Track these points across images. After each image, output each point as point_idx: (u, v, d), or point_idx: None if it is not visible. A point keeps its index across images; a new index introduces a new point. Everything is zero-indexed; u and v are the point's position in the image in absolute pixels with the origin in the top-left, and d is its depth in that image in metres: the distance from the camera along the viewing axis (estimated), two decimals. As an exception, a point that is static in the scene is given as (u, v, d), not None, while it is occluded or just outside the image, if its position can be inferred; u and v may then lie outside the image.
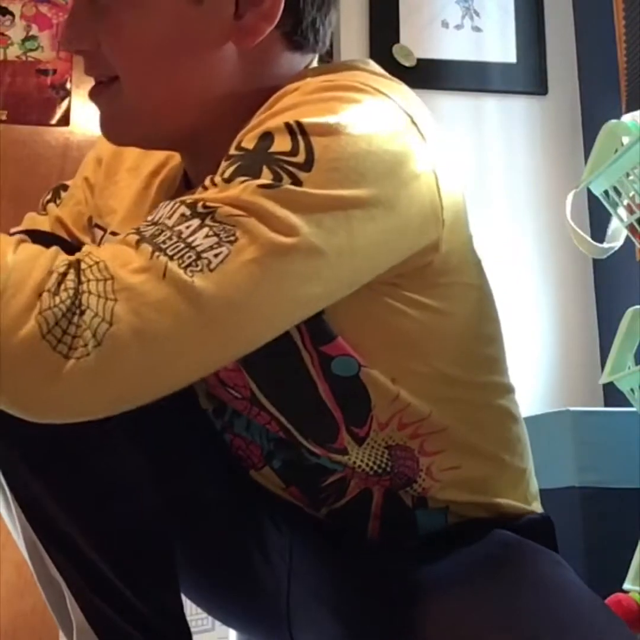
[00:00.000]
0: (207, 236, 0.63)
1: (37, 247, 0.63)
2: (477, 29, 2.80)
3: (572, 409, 1.86)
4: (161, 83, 0.80)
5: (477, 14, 2.81)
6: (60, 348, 0.59)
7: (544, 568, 0.80)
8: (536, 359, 2.51)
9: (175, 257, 0.62)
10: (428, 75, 2.64)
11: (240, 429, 0.89)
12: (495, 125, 2.67)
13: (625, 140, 1.73)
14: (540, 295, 2.56)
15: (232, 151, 0.71)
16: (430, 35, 2.74)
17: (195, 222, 0.64)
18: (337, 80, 0.74)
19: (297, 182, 0.66)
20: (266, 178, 0.66)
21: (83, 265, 0.61)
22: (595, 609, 0.75)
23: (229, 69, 0.80)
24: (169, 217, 0.65)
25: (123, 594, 0.80)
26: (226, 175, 0.68)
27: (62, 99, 2.49)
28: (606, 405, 2.41)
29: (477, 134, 2.64)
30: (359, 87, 0.73)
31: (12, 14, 2.52)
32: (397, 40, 2.67)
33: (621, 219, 1.78)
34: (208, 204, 0.65)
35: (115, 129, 0.84)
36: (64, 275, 0.60)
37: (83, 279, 0.60)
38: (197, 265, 0.62)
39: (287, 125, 0.69)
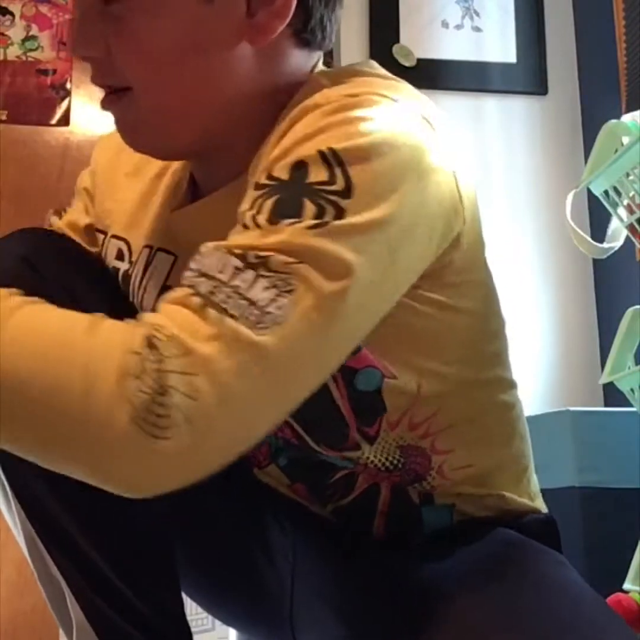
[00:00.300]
0: (265, 289, 0.63)
1: (107, 323, 0.63)
2: (477, 29, 2.80)
3: (572, 409, 1.87)
4: (177, 89, 0.79)
5: (477, 14, 2.81)
6: (152, 431, 0.59)
7: (546, 568, 0.80)
8: (536, 359, 2.51)
9: (242, 318, 0.62)
10: (428, 75, 2.64)
11: None
12: (495, 125, 2.67)
13: (625, 140, 1.73)
14: (540, 295, 2.56)
15: (263, 180, 0.70)
16: (430, 35, 2.74)
17: (250, 274, 0.64)
18: (358, 96, 0.73)
19: (340, 212, 0.66)
20: (310, 212, 0.66)
21: (158, 343, 0.60)
22: (597, 608, 0.75)
23: (242, 69, 0.80)
24: (221, 271, 0.64)
25: (123, 593, 0.80)
26: (265, 213, 0.67)
27: (62, 99, 2.49)
28: (606, 405, 2.41)
29: (477, 134, 2.64)
30: (380, 101, 0.73)
31: (12, 14, 2.52)
32: (397, 40, 2.67)
33: (621, 219, 1.78)
34: (260, 254, 0.64)
35: (134, 138, 0.83)
36: (143, 355, 0.60)
37: (161, 357, 0.60)
38: (262, 323, 0.62)
39: (321, 154, 0.68)
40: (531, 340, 2.50)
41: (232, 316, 0.61)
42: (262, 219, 0.67)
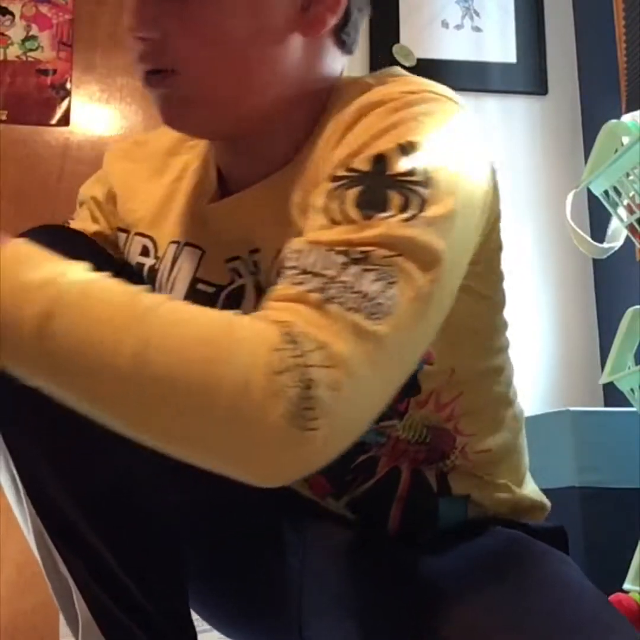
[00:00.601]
0: (373, 282, 0.66)
1: (243, 321, 0.65)
2: (477, 29, 2.80)
3: (572, 409, 1.87)
4: (230, 73, 0.81)
5: (477, 14, 2.81)
6: (301, 423, 0.62)
7: (552, 567, 0.81)
8: (536, 359, 2.51)
9: (359, 311, 0.65)
10: (428, 75, 2.61)
11: None
12: (495, 126, 2.68)
13: (625, 140, 1.73)
14: (540, 295, 2.56)
15: (342, 173, 0.73)
16: (430, 35, 2.74)
17: (355, 269, 0.67)
18: (418, 93, 0.78)
19: (423, 202, 0.70)
20: (397, 203, 0.69)
21: (296, 339, 0.63)
22: (602, 608, 0.76)
23: (290, 60, 0.82)
24: (327, 268, 0.67)
25: (130, 591, 0.80)
26: (352, 204, 0.70)
27: (62, 99, 2.49)
28: (606, 405, 2.42)
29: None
30: (437, 98, 0.79)
31: (12, 14, 2.52)
32: (397, 40, 2.67)
33: (621, 219, 1.78)
34: (362, 249, 0.67)
35: (177, 117, 0.84)
36: (286, 351, 0.63)
37: (302, 352, 0.63)
38: (376, 314, 0.65)
39: (401, 147, 0.72)
40: (531, 340, 2.50)
41: (350, 309, 0.65)
42: (351, 211, 0.70)
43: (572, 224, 1.81)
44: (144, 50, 0.80)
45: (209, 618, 0.98)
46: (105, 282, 0.65)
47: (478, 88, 2.72)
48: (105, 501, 0.80)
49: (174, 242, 0.90)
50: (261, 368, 0.62)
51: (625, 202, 1.75)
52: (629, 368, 1.74)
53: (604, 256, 1.87)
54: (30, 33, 2.52)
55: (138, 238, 0.93)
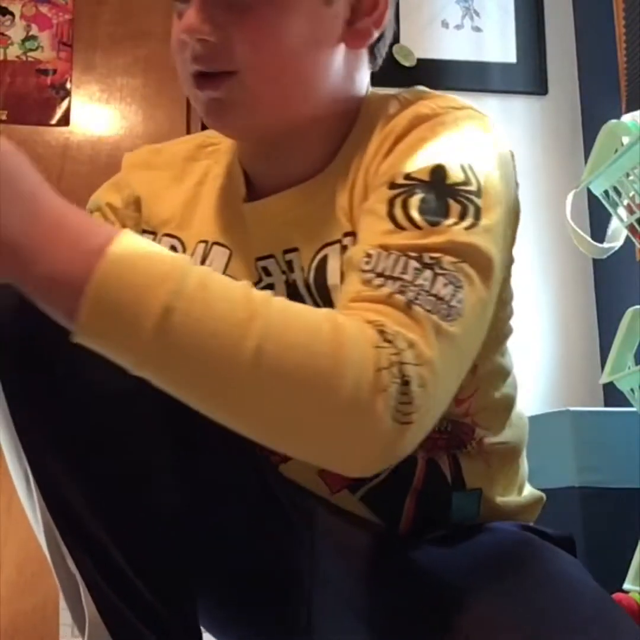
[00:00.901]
0: (445, 285, 0.71)
1: (341, 319, 0.68)
2: (477, 29, 2.80)
3: (572, 409, 1.87)
4: (284, 79, 0.85)
5: (477, 14, 2.81)
6: (400, 417, 0.66)
7: (562, 566, 0.82)
8: (536, 359, 2.52)
9: (437, 313, 0.70)
10: (428, 75, 2.64)
11: None
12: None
13: (625, 140, 1.74)
14: (540, 295, 2.56)
15: (401, 181, 0.78)
16: (430, 35, 2.74)
17: (429, 273, 0.72)
18: (462, 109, 0.84)
19: (478, 210, 0.76)
20: (455, 211, 0.75)
21: (391, 338, 0.67)
22: (609, 606, 0.77)
23: (334, 71, 0.87)
24: (404, 272, 0.71)
25: (139, 590, 0.80)
26: (416, 211, 0.75)
27: (62, 99, 2.49)
28: (606, 405, 2.42)
29: (477, 134, 2.64)
30: (478, 115, 0.85)
31: (12, 14, 2.52)
32: (397, 40, 2.67)
33: (621, 219, 1.78)
34: (433, 255, 0.72)
35: (229, 117, 0.86)
36: (386, 349, 0.67)
37: (398, 350, 0.67)
38: (451, 316, 0.71)
39: (455, 158, 0.78)
40: (531, 340, 2.50)
41: (429, 311, 0.70)
42: (417, 218, 0.75)
43: (572, 224, 1.81)
44: (202, 52, 0.83)
45: (211, 623, 0.97)
46: (217, 275, 0.68)
47: (478, 88, 2.72)
48: (117, 500, 0.80)
49: (202, 241, 0.93)
50: (369, 364, 0.65)
51: (625, 202, 1.75)
52: (629, 368, 1.74)
53: (604, 256, 1.87)
54: (30, 33, 2.52)
55: (166, 238, 0.95)
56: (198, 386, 0.66)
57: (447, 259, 0.72)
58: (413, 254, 0.72)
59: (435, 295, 0.70)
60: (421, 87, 0.90)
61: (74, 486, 0.79)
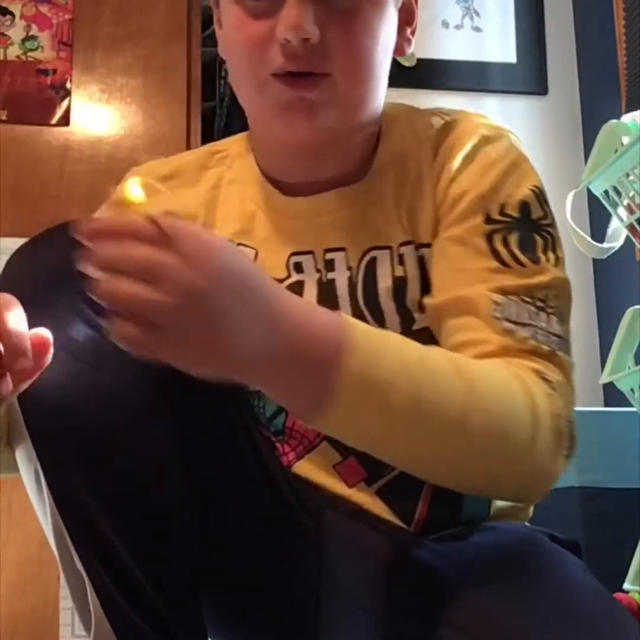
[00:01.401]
0: (557, 323, 0.84)
1: (513, 368, 0.78)
2: (477, 29, 2.80)
3: (572, 409, 1.86)
4: (372, 81, 0.89)
5: (477, 14, 2.81)
6: (567, 454, 0.81)
7: (569, 567, 0.83)
8: (536, 359, 2.51)
9: (565, 352, 0.84)
10: (428, 75, 2.65)
11: None
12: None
13: (625, 140, 1.74)
14: (540, 295, 2.56)
15: (495, 216, 0.85)
16: (430, 35, 2.74)
17: (543, 315, 0.83)
18: (497, 129, 0.93)
19: (554, 240, 0.86)
20: (541, 245, 0.85)
21: (553, 386, 0.79)
22: (614, 607, 0.78)
23: (386, 77, 0.93)
24: (530, 318, 0.82)
25: (146, 593, 0.79)
26: (516, 249, 0.84)
27: (62, 99, 2.49)
28: (606, 405, 2.41)
29: (477, 134, 2.64)
30: (511, 134, 0.94)
31: (12, 14, 2.52)
32: (397, 40, 2.67)
33: (621, 219, 1.78)
34: (540, 296, 0.83)
35: (318, 119, 0.87)
36: (553, 396, 0.79)
37: (560, 395, 0.80)
38: (567, 350, 0.84)
39: (534, 193, 0.87)
40: (531, 340, 2.50)
41: (561, 351, 0.83)
42: (519, 256, 0.84)
43: (572, 224, 1.81)
44: (302, 52, 0.84)
45: (216, 629, 0.96)
46: (424, 350, 0.76)
47: (478, 88, 2.72)
48: (127, 502, 0.80)
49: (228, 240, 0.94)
50: (547, 411, 0.77)
51: (625, 202, 1.75)
52: (629, 368, 1.74)
53: (604, 256, 1.87)
54: (30, 33, 2.52)
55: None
56: (422, 449, 0.74)
57: (550, 296, 0.84)
58: (528, 299, 0.82)
59: (557, 336, 0.83)
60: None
61: (85, 487, 0.79)
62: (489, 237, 0.84)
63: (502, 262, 0.83)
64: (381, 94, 0.92)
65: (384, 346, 0.72)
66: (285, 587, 0.90)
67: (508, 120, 2.67)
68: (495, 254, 0.84)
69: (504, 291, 0.81)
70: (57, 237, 0.77)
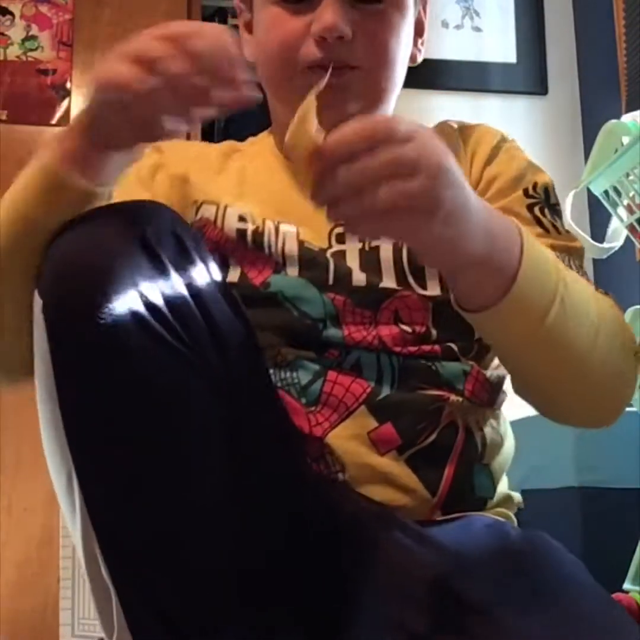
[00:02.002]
0: (579, 267, 0.95)
1: (606, 304, 0.92)
2: (477, 29, 2.80)
3: (572, 409, 1.86)
4: (393, 77, 1.00)
5: (477, 14, 2.81)
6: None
7: (573, 568, 0.84)
8: (536, 359, 2.51)
9: (590, 281, 0.93)
10: (428, 75, 2.64)
11: (360, 364, 0.93)
12: (495, 125, 2.67)
13: (625, 140, 1.74)
14: (540, 295, 2.56)
15: (531, 192, 0.99)
16: (430, 35, 2.73)
17: (571, 264, 0.93)
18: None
19: (562, 224, 0.99)
20: (559, 222, 0.98)
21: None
22: (615, 607, 0.79)
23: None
24: (577, 271, 0.92)
25: (174, 611, 0.77)
26: (550, 219, 0.97)
27: (62, 99, 2.49)
28: (606, 405, 2.41)
29: (477, 134, 2.64)
30: None
31: (12, 14, 2.52)
32: (397, 40, 2.67)
33: (621, 219, 1.78)
34: (576, 260, 0.95)
35: (349, 105, 0.95)
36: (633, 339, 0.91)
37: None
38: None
39: (550, 182, 1.01)
40: (531, 340, 2.50)
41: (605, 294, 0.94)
42: (558, 225, 0.98)
43: (572, 224, 1.80)
44: (338, 48, 0.95)
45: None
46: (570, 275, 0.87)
47: (478, 88, 2.72)
48: (164, 525, 0.78)
49: (266, 219, 0.99)
50: (632, 341, 0.91)
51: (625, 202, 1.75)
52: (629, 368, 1.74)
53: (604, 256, 1.87)
54: (30, 33, 2.52)
55: (231, 209, 1.00)
56: (555, 369, 0.85)
57: (582, 263, 0.96)
58: (569, 257, 0.93)
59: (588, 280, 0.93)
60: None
61: (119, 500, 0.77)
62: (530, 208, 0.97)
63: (544, 228, 0.96)
64: (396, 93, 1.03)
65: (540, 258, 0.83)
66: (302, 596, 0.88)
67: (508, 120, 2.67)
68: (538, 221, 0.96)
69: (553, 248, 0.90)
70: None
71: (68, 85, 2.51)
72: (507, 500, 0.97)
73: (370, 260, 0.96)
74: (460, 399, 0.93)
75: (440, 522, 0.90)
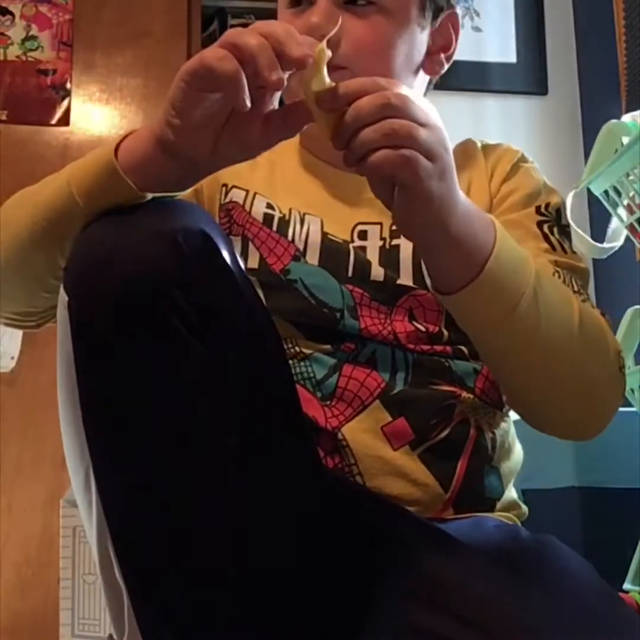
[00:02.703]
0: (581, 286, 0.94)
1: (584, 307, 0.90)
2: (477, 29, 2.80)
3: (572, 409, 1.86)
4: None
5: (477, 14, 2.81)
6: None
7: (576, 567, 0.84)
8: (536, 359, 2.51)
9: (589, 301, 0.94)
10: (428, 75, 2.64)
11: (375, 357, 0.94)
12: (495, 125, 2.68)
13: (625, 140, 1.74)
14: (540, 295, 2.56)
15: (543, 211, 1.02)
16: (430, 35, 2.74)
17: (572, 282, 0.93)
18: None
19: (571, 242, 1.02)
20: (567, 242, 1.01)
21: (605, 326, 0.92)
22: (617, 604, 0.79)
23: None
24: (568, 284, 0.93)
25: (185, 618, 0.77)
26: (558, 238, 1.00)
27: (62, 99, 2.49)
28: (606, 405, 2.41)
29: (477, 134, 2.63)
30: None
31: (12, 14, 2.52)
32: (397, 40, 2.67)
33: (621, 219, 1.78)
34: (578, 280, 0.95)
35: None
36: (607, 333, 0.92)
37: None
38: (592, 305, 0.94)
39: (562, 205, 1.05)
40: (531, 340, 2.50)
41: (588, 302, 0.93)
42: (564, 244, 1.00)
43: (572, 224, 1.80)
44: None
45: None
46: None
47: (478, 88, 2.72)
48: (177, 525, 0.77)
49: (293, 209, 1.01)
50: (615, 352, 0.92)
51: (625, 202, 1.75)
52: (629, 368, 1.74)
53: (604, 256, 1.87)
54: (30, 33, 2.53)
55: (260, 197, 1.03)
56: (535, 351, 0.85)
57: (584, 283, 0.97)
58: (566, 277, 0.93)
59: (581, 293, 0.94)
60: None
61: (134, 498, 0.77)
62: (540, 225, 1.00)
63: (551, 245, 0.98)
64: None
65: (512, 252, 0.85)
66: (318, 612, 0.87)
67: (508, 120, 2.68)
68: (546, 238, 0.99)
69: (557, 264, 0.94)
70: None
71: (68, 85, 2.51)
72: (514, 506, 0.98)
73: (389, 257, 0.98)
74: (471, 396, 0.95)
75: (452, 520, 0.91)
